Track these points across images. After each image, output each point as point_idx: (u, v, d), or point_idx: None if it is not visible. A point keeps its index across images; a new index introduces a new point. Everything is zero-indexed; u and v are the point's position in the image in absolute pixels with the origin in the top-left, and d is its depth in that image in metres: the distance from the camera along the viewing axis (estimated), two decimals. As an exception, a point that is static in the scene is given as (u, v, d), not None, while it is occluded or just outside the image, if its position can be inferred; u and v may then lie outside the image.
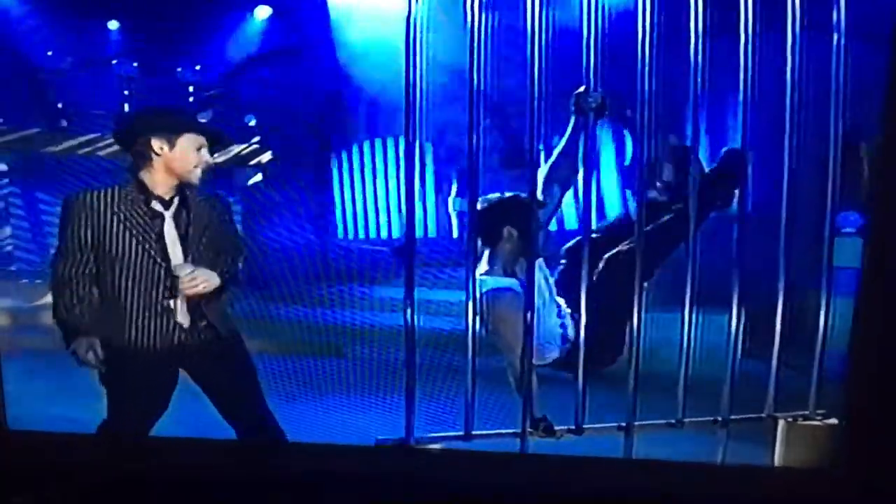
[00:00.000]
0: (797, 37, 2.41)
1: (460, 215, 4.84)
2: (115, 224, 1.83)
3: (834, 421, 2.43)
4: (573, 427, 2.43)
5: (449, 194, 4.96)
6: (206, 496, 1.99)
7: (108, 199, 1.86)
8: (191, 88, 5.13)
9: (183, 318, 1.92)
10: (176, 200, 1.90)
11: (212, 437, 2.12)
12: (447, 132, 4.06)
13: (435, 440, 2.32)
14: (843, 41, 2.39)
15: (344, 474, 2.09)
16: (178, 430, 2.13)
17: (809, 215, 2.53)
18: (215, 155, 2.02)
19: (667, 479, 2.16)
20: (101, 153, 4.86)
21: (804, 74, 2.45)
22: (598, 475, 2.23)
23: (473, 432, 2.35)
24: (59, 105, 4.67)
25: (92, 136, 4.81)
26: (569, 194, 2.59)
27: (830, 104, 2.44)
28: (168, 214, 1.88)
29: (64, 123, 4.64)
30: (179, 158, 1.85)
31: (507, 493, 2.14)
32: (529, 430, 2.38)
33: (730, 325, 2.51)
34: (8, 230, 4.46)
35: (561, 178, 2.50)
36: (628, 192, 3.64)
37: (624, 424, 2.47)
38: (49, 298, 4.12)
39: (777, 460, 2.49)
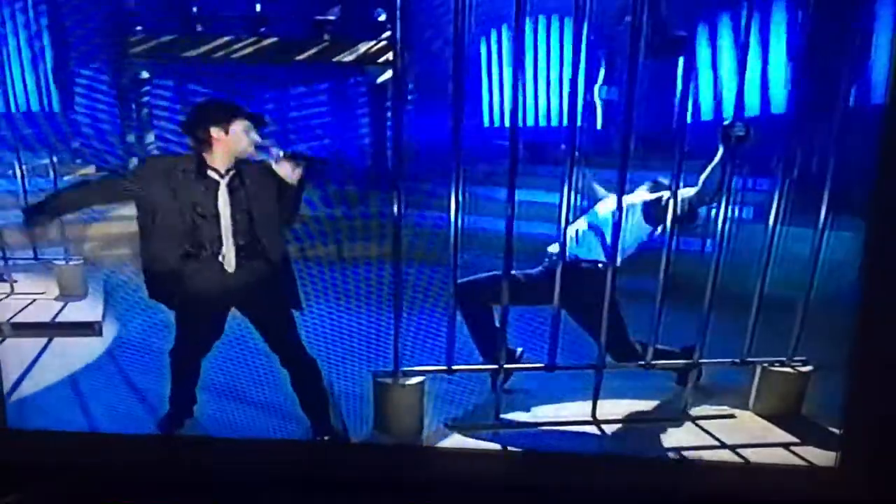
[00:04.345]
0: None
1: (606, 104, 4.38)
2: (179, 186, 2.24)
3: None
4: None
5: (595, 81, 4.44)
6: (205, 495, 2.06)
7: (178, 165, 2.27)
8: (320, -16, 4.92)
9: (228, 264, 2.32)
10: (231, 172, 2.31)
11: (209, 436, 2.32)
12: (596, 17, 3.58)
13: (419, 373, 2.40)
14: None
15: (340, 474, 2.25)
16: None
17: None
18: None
19: (666, 478, 2.18)
20: (236, 56, 4.87)
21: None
22: (597, 474, 2.24)
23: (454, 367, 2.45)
24: (194, 9, 4.65)
25: (227, 38, 4.82)
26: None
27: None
28: (223, 182, 2.29)
29: (199, 28, 4.62)
30: (234, 141, 2.28)
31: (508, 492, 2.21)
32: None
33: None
34: (152, 136, 4.62)
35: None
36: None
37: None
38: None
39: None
